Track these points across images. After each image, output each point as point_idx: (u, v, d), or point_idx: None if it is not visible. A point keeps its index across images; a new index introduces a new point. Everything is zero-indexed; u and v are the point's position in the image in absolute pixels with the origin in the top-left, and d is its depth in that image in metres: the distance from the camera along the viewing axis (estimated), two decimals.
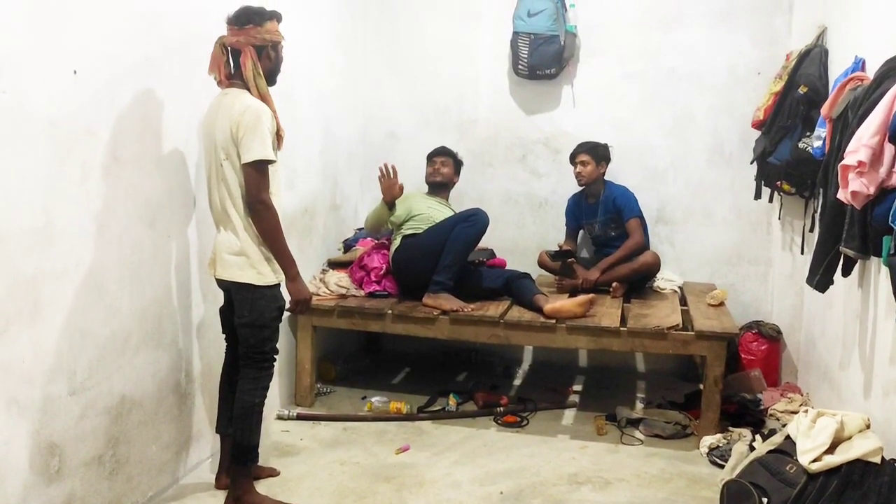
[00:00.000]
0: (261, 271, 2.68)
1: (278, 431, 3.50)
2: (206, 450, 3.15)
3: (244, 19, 2.63)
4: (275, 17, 2.70)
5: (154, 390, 2.78)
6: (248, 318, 2.70)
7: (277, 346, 2.82)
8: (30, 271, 2.18)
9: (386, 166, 3.91)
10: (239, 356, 2.78)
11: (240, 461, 2.74)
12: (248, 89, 2.64)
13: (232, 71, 2.68)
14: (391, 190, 3.89)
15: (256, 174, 2.58)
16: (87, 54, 2.36)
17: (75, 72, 2.30)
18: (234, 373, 2.81)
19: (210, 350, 3.13)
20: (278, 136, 2.70)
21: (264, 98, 2.65)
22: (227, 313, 2.85)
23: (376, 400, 3.87)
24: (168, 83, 2.76)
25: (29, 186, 2.17)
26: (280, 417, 3.63)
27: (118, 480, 2.61)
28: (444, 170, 4.13)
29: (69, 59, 2.28)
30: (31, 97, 2.15)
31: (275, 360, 2.81)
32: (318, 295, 3.86)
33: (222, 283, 2.77)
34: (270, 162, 2.60)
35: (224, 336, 2.91)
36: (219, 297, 3.16)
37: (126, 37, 2.53)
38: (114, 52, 2.48)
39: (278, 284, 2.76)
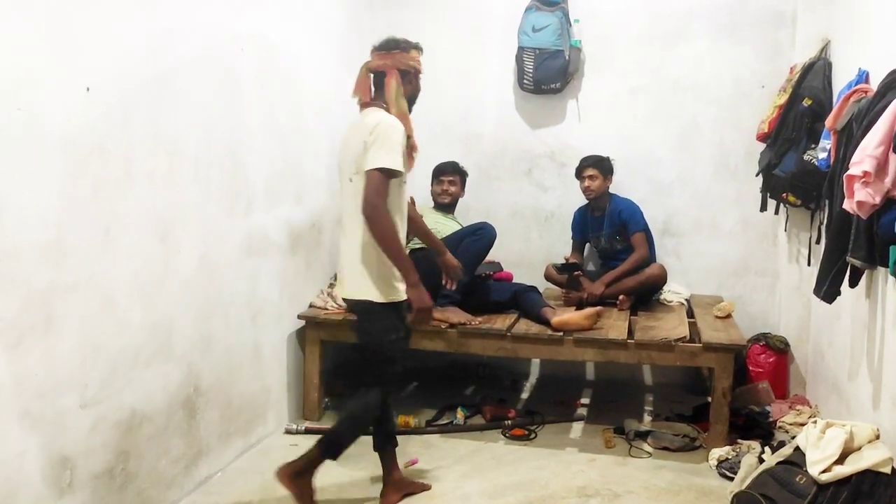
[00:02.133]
0: (380, 289, 2.71)
1: (287, 445, 3.50)
2: (215, 464, 3.15)
3: (391, 45, 2.78)
4: (419, 47, 2.85)
5: (164, 404, 2.80)
6: (367, 338, 2.77)
7: (397, 369, 2.80)
8: (42, 285, 2.21)
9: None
10: None
11: (322, 449, 2.74)
12: (388, 109, 2.72)
13: (373, 94, 2.79)
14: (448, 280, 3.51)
15: (377, 181, 2.60)
16: (100, 72, 2.39)
17: (88, 89, 2.33)
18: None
19: (220, 365, 3.14)
20: (410, 155, 2.76)
21: (403, 117, 2.72)
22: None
23: None
24: (179, 100, 2.80)
25: (42, 201, 2.20)
26: (288, 431, 3.64)
27: (128, 494, 2.61)
28: (451, 189, 4.13)
29: (82, 76, 2.32)
30: (45, 114, 2.19)
31: (395, 384, 2.84)
32: (326, 309, 3.87)
33: (347, 303, 2.82)
34: (396, 174, 2.63)
35: None
36: (228, 312, 3.20)
37: (138, 55, 2.57)
38: (126, 70, 2.51)
39: (400, 303, 2.75)
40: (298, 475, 2.70)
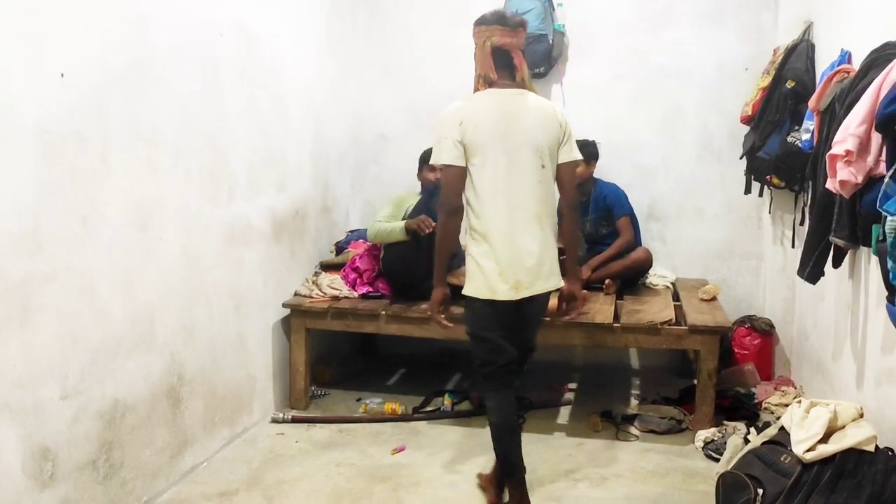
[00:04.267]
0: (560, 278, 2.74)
1: (273, 434, 3.49)
2: (201, 454, 3.13)
3: (518, 23, 2.64)
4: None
5: (147, 394, 2.77)
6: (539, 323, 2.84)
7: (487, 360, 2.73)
8: (19, 275, 2.17)
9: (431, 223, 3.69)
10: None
11: (505, 474, 2.74)
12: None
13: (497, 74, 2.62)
14: (424, 228, 3.67)
15: (575, 172, 2.70)
16: (75, 58, 2.35)
17: (62, 75, 2.29)
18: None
19: (203, 354, 3.12)
20: None
21: None
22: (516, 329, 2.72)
23: (371, 401, 3.86)
24: (157, 87, 2.76)
25: (17, 190, 2.16)
26: (275, 420, 3.62)
27: (112, 485, 2.59)
28: None
29: (56, 62, 2.28)
30: (17, 101, 2.15)
31: (492, 377, 2.72)
32: (311, 297, 3.85)
33: (537, 298, 2.68)
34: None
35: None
36: (211, 301, 3.17)
37: (114, 41, 2.53)
38: (102, 56, 2.47)
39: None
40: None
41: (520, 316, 2.70)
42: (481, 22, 2.64)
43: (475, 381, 2.76)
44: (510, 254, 2.58)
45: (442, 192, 2.63)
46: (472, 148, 2.54)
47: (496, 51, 2.60)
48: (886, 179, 1.84)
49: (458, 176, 2.56)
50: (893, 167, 1.82)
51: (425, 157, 4.10)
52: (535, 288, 2.65)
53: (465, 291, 2.67)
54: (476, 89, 2.64)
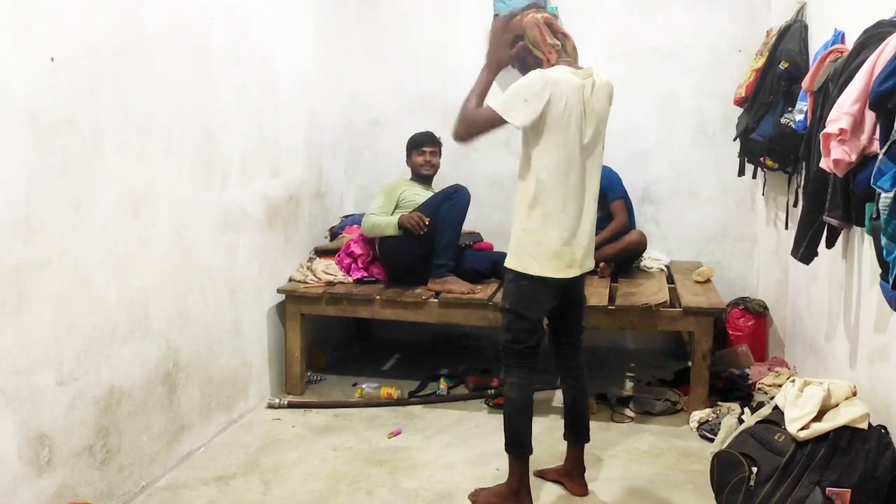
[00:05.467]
0: None
1: (270, 420, 3.49)
2: (197, 439, 3.14)
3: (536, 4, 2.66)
4: None
5: (143, 380, 2.77)
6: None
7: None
8: (12, 262, 2.16)
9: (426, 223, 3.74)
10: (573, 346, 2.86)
11: (511, 450, 2.72)
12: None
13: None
14: (417, 227, 3.71)
15: None
16: (65, 42, 2.33)
17: (52, 59, 2.27)
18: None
19: (199, 339, 3.12)
20: None
21: None
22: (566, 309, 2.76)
23: (367, 386, 3.87)
24: (149, 73, 2.74)
25: (8, 177, 2.14)
26: (271, 406, 3.63)
27: (109, 471, 2.60)
28: (434, 160, 4.10)
29: (45, 47, 2.26)
30: (7, 86, 2.13)
31: (521, 355, 2.70)
32: (306, 283, 3.85)
33: (582, 276, 2.71)
34: None
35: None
36: (206, 287, 3.16)
37: (105, 25, 2.51)
38: (92, 41, 2.45)
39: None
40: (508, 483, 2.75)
41: (573, 295, 2.73)
42: (513, 14, 2.63)
43: (501, 357, 2.73)
44: (573, 233, 2.58)
45: (470, 126, 2.59)
46: (553, 123, 2.47)
47: (548, 26, 2.59)
48: (881, 156, 1.84)
49: (495, 126, 2.54)
50: (887, 143, 1.83)
51: (413, 142, 4.12)
52: (585, 266, 2.69)
53: (514, 267, 2.61)
54: (548, 64, 2.56)
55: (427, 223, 3.69)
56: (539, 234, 2.55)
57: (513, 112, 2.46)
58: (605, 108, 2.63)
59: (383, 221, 3.82)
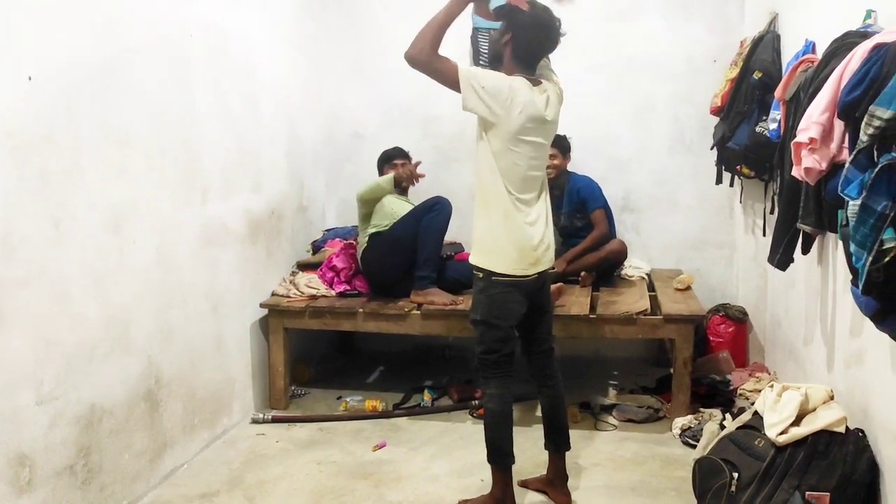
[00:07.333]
0: None
1: (254, 435, 3.48)
2: (181, 456, 3.12)
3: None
4: None
5: (124, 398, 2.76)
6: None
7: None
8: None
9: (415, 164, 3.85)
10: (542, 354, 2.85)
11: (493, 461, 2.73)
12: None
13: None
14: (412, 178, 3.80)
15: None
16: (43, 60, 2.33)
17: (30, 78, 2.27)
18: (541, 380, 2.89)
19: (181, 356, 3.11)
20: None
21: None
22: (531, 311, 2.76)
23: (351, 399, 3.87)
24: (127, 89, 2.74)
25: None
26: (255, 421, 3.61)
27: (91, 490, 2.58)
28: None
29: (23, 65, 2.25)
30: None
31: (497, 365, 2.71)
32: (289, 297, 3.85)
33: (545, 274, 2.75)
34: None
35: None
36: (188, 303, 3.15)
37: (83, 42, 2.51)
38: (70, 58, 2.45)
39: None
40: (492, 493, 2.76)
41: (539, 302, 2.75)
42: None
43: (478, 370, 2.75)
44: (532, 230, 2.63)
45: (420, 41, 2.85)
46: (510, 127, 2.58)
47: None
48: (847, 164, 1.87)
49: (443, 74, 2.75)
50: (854, 152, 1.86)
51: (385, 157, 4.15)
52: (547, 262, 2.72)
53: (479, 263, 2.63)
54: (510, 71, 2.71)
55: (419, 176, 3.80)
56: (499, 232, 2.60)
57: (470, 94, 2.61)
58: (557, 111, 2.78)
59: (377, 180, 3.87)
